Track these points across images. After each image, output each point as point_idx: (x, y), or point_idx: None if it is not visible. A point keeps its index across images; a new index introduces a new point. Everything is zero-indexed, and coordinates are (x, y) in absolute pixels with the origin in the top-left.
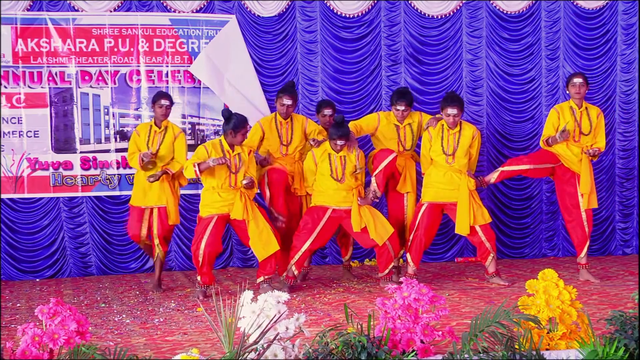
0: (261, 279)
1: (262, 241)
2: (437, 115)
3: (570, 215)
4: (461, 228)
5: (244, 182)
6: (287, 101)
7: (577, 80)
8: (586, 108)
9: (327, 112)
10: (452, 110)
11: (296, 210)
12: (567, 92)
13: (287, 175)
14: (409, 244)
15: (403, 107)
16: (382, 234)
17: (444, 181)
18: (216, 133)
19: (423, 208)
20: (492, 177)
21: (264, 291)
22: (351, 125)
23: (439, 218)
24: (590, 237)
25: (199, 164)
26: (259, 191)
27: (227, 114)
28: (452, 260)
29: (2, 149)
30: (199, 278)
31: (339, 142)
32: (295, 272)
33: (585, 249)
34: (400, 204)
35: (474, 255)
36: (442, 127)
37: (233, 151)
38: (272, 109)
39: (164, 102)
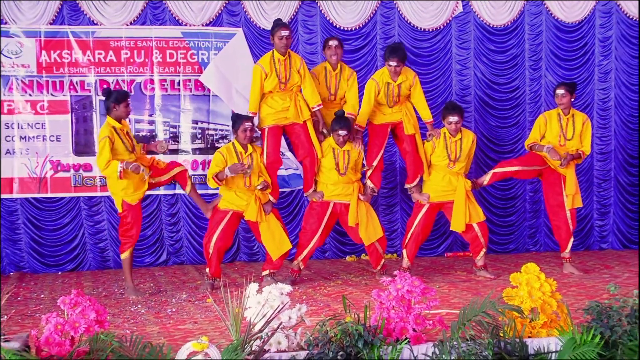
0: (266, 272)
1: (276, 242)
2: (438, 130)
3: (555, 214)
4: (457, 225)
5: (259, 186)
6: (284, 32)
7: (559, 91)
8: (573, 115)
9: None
10: (453, 118)
11: None
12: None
13: None
14: (407, 240)
15: (395, 63)
16: (371, 235)
17: (443, 183)
18: (224, 137)
19: (424, 209)
20: (485, 179)
21: (267, 284)
22: (360, 118)
23: (435, 217)
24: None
25: (217, 175)
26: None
27: (233, 117)
28: (442, 255)
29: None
30: (207, 270)
31: (341, 133)
32: (301, 267)
33: (569, 245)
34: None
35: (462, 251)
36: (444, 135)
37: (246, 152)
38: None
39: (248, 124)
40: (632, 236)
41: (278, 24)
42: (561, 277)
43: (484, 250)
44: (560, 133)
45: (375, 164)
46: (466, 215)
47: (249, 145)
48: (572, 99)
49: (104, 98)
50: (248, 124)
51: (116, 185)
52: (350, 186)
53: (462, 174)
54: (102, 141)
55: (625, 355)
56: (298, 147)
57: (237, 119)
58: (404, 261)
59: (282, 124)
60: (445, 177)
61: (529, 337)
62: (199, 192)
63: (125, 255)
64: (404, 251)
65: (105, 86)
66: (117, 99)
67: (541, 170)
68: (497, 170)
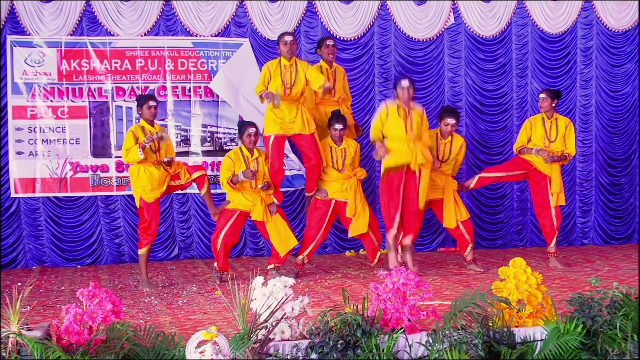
0: (272, 265)
1: (282, 239)
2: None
3: (541, 211)
4: (448, 222)
5: (260, 186)
6: (288, 38)
7: (541, 95)
8: (556, 119)
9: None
10: (450, 120)
11: None
12: None
13: None
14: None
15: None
16: (359, 227)
17: (430, 183)
18: (232, 140)
19: None
20: (472, 182)
21: (272, 277)
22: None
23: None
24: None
25: (231, 180)
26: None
27: (238, 124)
28: (435, 250)
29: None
30: (215, 264)
31: (337, 127)
32: (305, 261)
33: (554, 240)
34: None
35: (454, 246)
36: (436, 136)
37: (252, 156)
38: None
39: (252, 129)
40: (612, 232)
41: (283, 32)
42: (546, 270)
43: (471, 245)
44: (545, 135)
45: None
46: (456, 213)
47: (254, 149)
48: (554, 104)
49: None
50: (252, 130)
51: (136, 182)
52: (348, 181)
53: (449, 175)
54: (127, 134)
55: (605, 343)
56: (304, 155)
57: (242, 126)
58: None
59: (288, 133)
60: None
61: (516, 326)
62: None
63: (142, 251)
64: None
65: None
66: (140, 102)
67: (527, 172)
68: (483, 175)
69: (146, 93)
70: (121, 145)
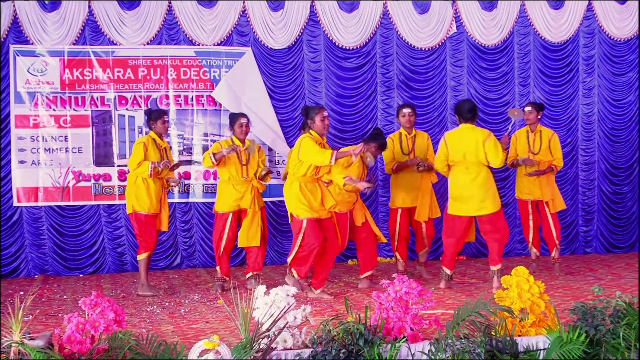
0: (250, 274)
1: (249, 233)
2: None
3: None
4: (420, 215)
5: (263, 172)
6: (407, 110)
7: (527, 108)
8: (540, 131)
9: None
10: (406, 110)
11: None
12: None
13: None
14: (396, 244)
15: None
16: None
17: (410, 183)
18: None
19: (399, 212)
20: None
21: (252, 286)
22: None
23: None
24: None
25: (214, 154)
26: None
27: (230, 116)
28: (437, 259)
29: None
30: (218, 269)
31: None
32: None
33: (555, 249)
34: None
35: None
36: (399, 135)
37: (244, 146)
38: (283, 128)
39: (243, 119)
40: (615, 241)
41: (236, 114)
42: (549, 279)
43: (426, 249)
44: (528, 149)
45: None
46: (431, 209)
47: (246, 140)
48: (539, 117)
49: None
50: (243, 120)
51: (130, 191)
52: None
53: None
54: (137, 145)
55: (608, 352)
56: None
57: (233, 116)
58: (400, 263)
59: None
60: (412, 175)
61: (519, 335)
62: (208, 200)
63: (140, 257)
64: (397, 254)
65: (146, 107)
66: (155, 117)
67: (535, 206)
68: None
69: (159, 108)
70: (124, 154)
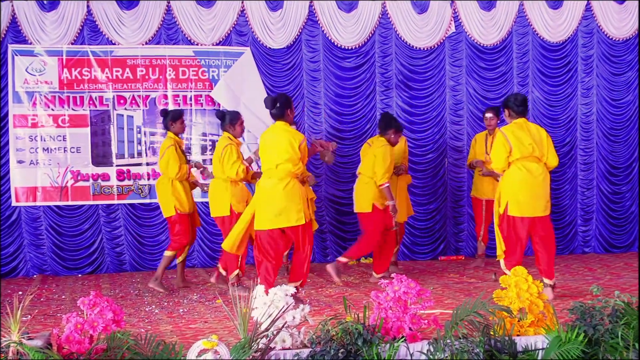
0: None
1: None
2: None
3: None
4: (399, 216)
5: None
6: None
7: (488, 115)
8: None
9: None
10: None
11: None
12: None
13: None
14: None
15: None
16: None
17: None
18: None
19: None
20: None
21: (237, 290)
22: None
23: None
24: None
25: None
26: None
27: (232, 113)
28: (436, 259)
29: None
30: (238, 272)
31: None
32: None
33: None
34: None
35: (456, 255)
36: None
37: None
38: None
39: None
40: (613, 241)
41: (236, 112)
42: None
43: (397, 248)
44: (485, 151)
45: None
46: (408, 210)
47: (251, 156)
48: (498, 121)
49: (162, 117)
50: (243, 118)
51: (170, 195)
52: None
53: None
54: (169, 149)
55: (607, 352)
56: None
57: (235, 115)
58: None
59: None
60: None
61: (518, 335)
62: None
63: (167, 253)
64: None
65: (162, 107)
66: (173, 117)
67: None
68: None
69: (177, 109)
70: (122, 154)
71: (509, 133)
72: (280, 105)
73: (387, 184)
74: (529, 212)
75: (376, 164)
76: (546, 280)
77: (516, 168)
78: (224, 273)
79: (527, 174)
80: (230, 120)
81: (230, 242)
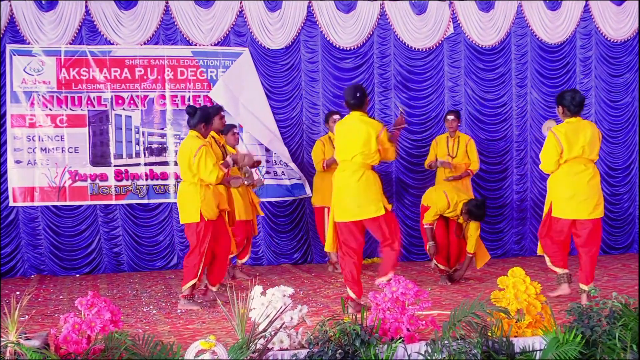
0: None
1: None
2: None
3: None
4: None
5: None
6: (337, 117)
7: (449, 117)
8: (458, 137)
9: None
10: (336, 117)
11: None
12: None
13: None
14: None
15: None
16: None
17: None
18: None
19: None
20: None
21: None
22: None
23: None
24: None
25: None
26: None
27: (192, 109)
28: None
29: None
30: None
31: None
32: None
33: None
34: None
35: None
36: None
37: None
38: (281, 128)
39: (236, 129)
40: (612, 242)
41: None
42: (545, 280)
43: None
44: (447, 153)
45: None
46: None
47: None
48: (459, 124)
49: (187, 116)
50: (236, 129)
51: (197, 199)
52: None
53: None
54: (200, 150)
55: (604, 353)
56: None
57: (216, 110)
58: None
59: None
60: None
61: (515, 336)
62: None
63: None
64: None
65: (189, 104)
66: (211, 114)
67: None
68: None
69: (214, 105)
70: (120, 154)
71: (560, 134)
72: (360, 95)
73: None
74: (571, 214)
75: None
76: (582, 286)
77: (562, 169)
78: (213, 289)
79: (572, 176)
80: (204, 118)
81: (330, 243)
